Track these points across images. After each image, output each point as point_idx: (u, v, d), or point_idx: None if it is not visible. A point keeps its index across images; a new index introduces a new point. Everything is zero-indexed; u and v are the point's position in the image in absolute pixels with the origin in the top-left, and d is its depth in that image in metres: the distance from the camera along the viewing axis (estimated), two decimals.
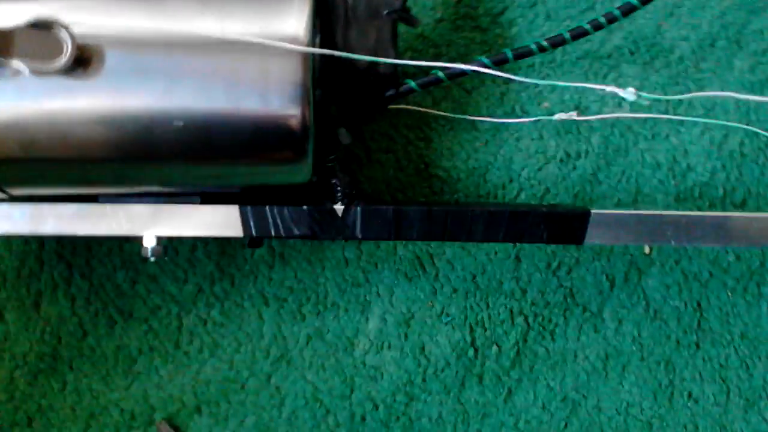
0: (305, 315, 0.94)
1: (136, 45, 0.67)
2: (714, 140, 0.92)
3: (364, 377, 0.93)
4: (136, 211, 0.76)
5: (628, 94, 0.74)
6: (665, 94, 0.92)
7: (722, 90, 0.91)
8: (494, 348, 0.92)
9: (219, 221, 0.77)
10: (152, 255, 0.76)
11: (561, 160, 0.93)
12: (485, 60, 0.79)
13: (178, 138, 0.69)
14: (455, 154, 0.94)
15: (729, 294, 0.91)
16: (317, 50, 0.69)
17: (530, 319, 0.92)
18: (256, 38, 0.67)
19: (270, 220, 0.77)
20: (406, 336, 0.93)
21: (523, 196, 0.93)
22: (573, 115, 0.86)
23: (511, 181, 0.93)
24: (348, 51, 0.74)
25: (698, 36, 0.94)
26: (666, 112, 0.92)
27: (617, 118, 0.93)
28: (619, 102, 0.93)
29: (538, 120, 0.92)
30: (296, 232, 0.77)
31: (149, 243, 0.76)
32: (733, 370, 0.93)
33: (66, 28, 0.64)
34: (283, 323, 0.94)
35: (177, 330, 0.95)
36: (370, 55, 0.75)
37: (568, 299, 0.92)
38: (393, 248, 0.94)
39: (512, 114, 0.94)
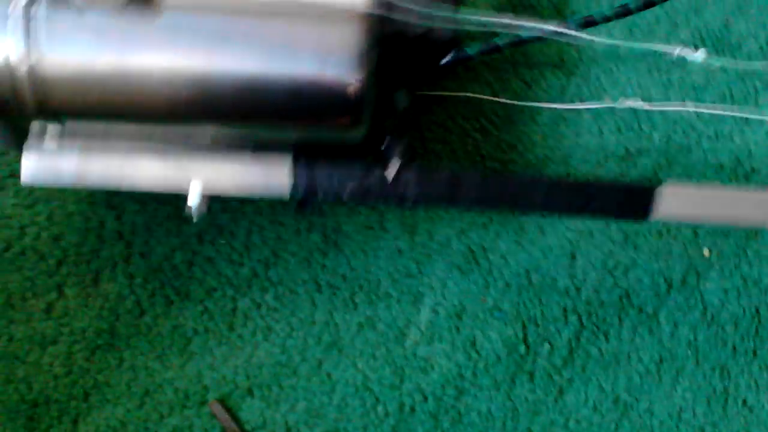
0: (357, 303, 0.97)
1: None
2: None
3: (415, 368, 0.96)
4: (183, 162, 0.77)
5: (699, 53, 0.76)
6: (731, 93, 0.92)
7: None
8: (546, 346, 0.94)
9: (268, 177, 0.77)
10: (196, 213, 0.78)
11: (621, 157, 0.94)
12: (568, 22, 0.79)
13: (234, 94, 0.71)
14: (512, 147, 0.96)
15: None
16: (373, 11, 0.70)
17: (584, 318, 0.94)
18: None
19: (319, 180, 0.77)
20: (457, 329, 0.96)
21: None
22: (639, 102, 0.87)
23: (568, 176, 0.95)
24: (405, 12, 0.74)
25: (767, 32, 0.94)
26: (731, 108, 0.93)
27: (682, 114, 0.93)
28: (684, 97, 0.93)
29: (601, 107, 0.93)
30: (347, 193, 0.77)
31: (193, 200, 0.77)
32: None
33: None
34: (336, 311, 0.97)
35: (231, 312, 0.99)
36: (428, 16, 0.74)
37: (624, 300, 0.94)
38: (447, 240, 0.96)
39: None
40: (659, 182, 0.74)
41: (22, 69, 0.71)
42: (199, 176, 0.77)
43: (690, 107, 0.91)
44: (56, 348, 0.99)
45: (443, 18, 0.75)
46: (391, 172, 0.76)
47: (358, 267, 0.97)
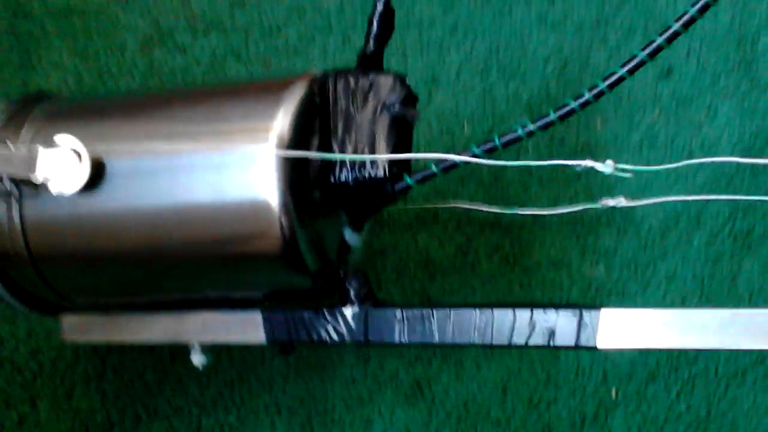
0: (314, 426, 1.11)
1: (138, 160, 0.78)
2: None
3: None
4: (175, 319, 0.87)
5: (606, 167, 0.72)
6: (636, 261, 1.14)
7: None
8: None
9: (242, 327, 0.85)
10: (199, 363, 0.89)
11: None
12: (476, 150, 0.77)
13: (181, 235, 0.77)
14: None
15: None
16: (292, 153, 0.73)
17: None
18: (231, 144, 0.74)
19: (287, 324, 0.83)
20: None
21: None
22: (621, 201, 0.91)
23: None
24: (342, 150, 0.78)
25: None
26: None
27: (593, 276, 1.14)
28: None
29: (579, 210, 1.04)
30: (313, 336, 0.82)
31: (195, 356, 0.89)
32: None
33: (80, 152, 0.76)
34: None
35: (196, 430, 1.10)
36: (367, 152, 0.77)
37: (546, 431, 1.11)
38: (396, 371, 1.12)
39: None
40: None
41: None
42: (194, 334, 0.88)
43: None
44: None
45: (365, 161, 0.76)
46: (348, 313, 0.81)
47: (315, 392, 1.11)
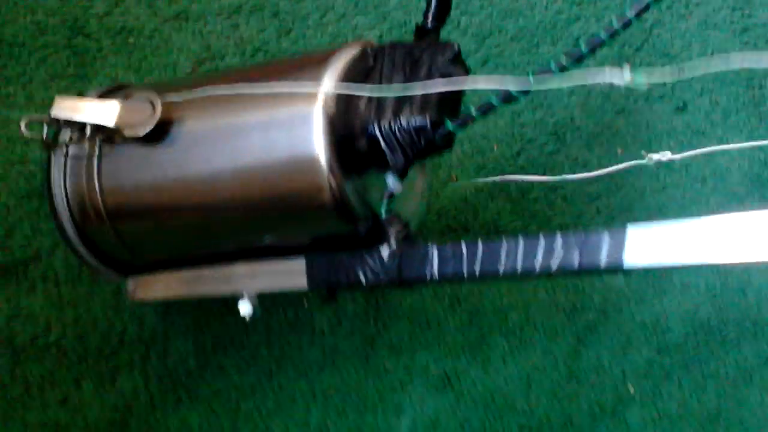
0: (347, 412, 1.18)
1: (202, 121, 0.85)
2: None
3: None
4: (229, 271, 0.93)
5: (623, 77, 0.68)
6: None
7: None
8: None
9: (287, 273, 0.90)
10: (245, 312, 0.92)
11: (568, 311, 1.22)
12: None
13: (239, 192, 0.84)
14: None
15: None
16: (343, 89, 0.78)
17: None
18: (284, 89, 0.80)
19: (328, 268, 0.87)
20: None
21: (536, 336, 1.21)
22: (667, 154, 0.92)
23: (527, 321, 1.22)
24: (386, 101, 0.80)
25: None
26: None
27: (614, 280, 1.23)
28: None
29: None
30: (352, 278, 0.85)
31: (243, 307, 0.93)
32: None
33: (153, 102, 0.85)
34: (328, 417, 1.17)
35: (235, 413, 1.17)
36: (414, 104, 0.80)
37: (567, 423, 1.19)
38: (426, 364, 1.19)
39: None
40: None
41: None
42: (243, 282, 0.93)
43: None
44: None
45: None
46: (385, 252, 0.84)
47: (349, 381, 1.18)
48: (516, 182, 1.24)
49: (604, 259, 0.74)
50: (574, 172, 1.25)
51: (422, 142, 0.81)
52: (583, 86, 1.30)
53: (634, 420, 1.20)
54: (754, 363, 1.21)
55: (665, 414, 1.20)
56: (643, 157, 0.94)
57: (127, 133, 0.84)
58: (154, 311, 1.17)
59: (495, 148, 1.27)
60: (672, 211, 1.23)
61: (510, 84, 0.76)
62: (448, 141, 0.82)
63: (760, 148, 1.27)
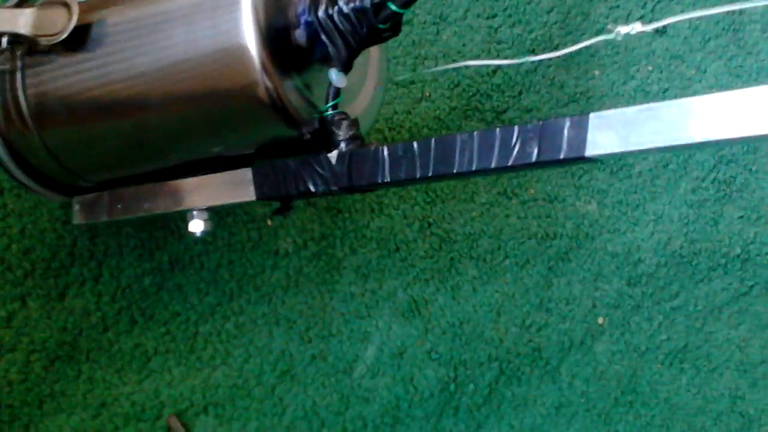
0: (311, 338, 1.17)
1: (122, 18, 0.81)
2: None
3: (359, 398, 1.17)
4: (175, 187, 0.91)
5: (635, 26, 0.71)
6: (626, 199, 1.25)
7: None
8: (471, 386, 1.19)
9: (233, 186, 0.87)
10: (196, 230, 0.91)
11: (541, 238, 1.23)
12: None
13: (168, 101, 0.80)
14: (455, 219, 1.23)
15: (659, 365, 1.23)
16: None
17: (503, 365, 1.20)
18: None
19: (275, 177, 0.83)
20: (398, 366, 1.18)
21: (507, 263, 1.22)
22: (636, 26, 0.84)
23: (499, 248, 1.22)
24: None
25: None
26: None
27: (588, 210, 1.24)
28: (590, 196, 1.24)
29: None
30: (300, 187, 0.82)
31: (195, 224, 0.92)
32: (656, 429, 1.24)
33: (69, 5, 0.81)
34: (291, 342, 1.16)
35: (193, 336, 1.15)
36: None
37: (535, 353, 1.21)
38: (394, 290, 1.19)
39: None
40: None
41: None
42: (191, 199, 0.91)
43: None
44: (13, 355, 1.09)
45: None
46: (333, 156, 0.80)
47: (314, 306, 1.18)
48: (490, 102, 1.24)
49: (564, 148, 0.70)
50: (551, 94, 1.26)
51: (364, 28, 0.77)
52: (563, 3, 1.31)
53: (602, 352, 1.22)
54: (723, 298, 1.24)
55: (633, 347, 1.22)
56: (610, 31, 0.90)
57: (44, 41, 0.82)
58: (106, 225, 1.13)
59: (469, 66, 1.26)
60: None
61: None
62: (394, 26, 0.78)
63: (738, 75, 1.29)
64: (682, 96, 1.28)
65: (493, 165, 0.73)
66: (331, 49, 0.79)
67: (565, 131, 0.69)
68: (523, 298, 1.21)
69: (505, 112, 1.25)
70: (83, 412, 1.11)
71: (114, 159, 0.91)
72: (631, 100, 1.26)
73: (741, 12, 1.32)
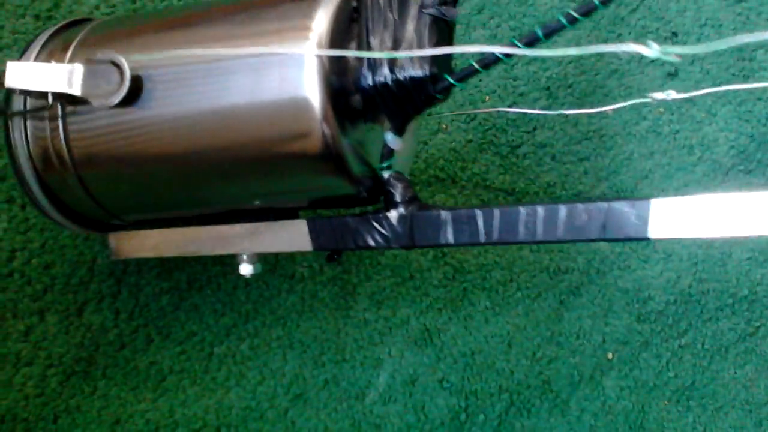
0: (325, 362, 1.23)
1: (176, 67, 0.84)
2: None
3: (370, 424, 1.23)
4: (223, 231, 0.97)
5: (652, 51, 0.71)
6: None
7: None
8: (481, 416, 1.25)
9: (288, 235, 0.94)
10: (247, 273, 0.98)
11: (552, 272, 1.30)
12: (515, 41, 0.79)
13: (223, 143, 0.83)
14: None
15: (666, 402, 1.30)
16: (332, 52, 0.79)
17: (513, 397, 1.26)
18: (268, 49, 0.80)
19: (333, 231, 0.90)
20: (410, 394, 1.24)
21: (519, 295, 1.29)
22: (671, 94, 0.98)
23: (511, 280, 1.29)
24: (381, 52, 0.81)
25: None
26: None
27: (600, 245, 1.32)
28: None
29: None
30: (359, 242, 0.89)
31: (243, 266, 1.00)
32: None
33: (119, 64, 0.84)
34: (305, 366, 1.23)
35: (208, 357, 1.21)
36: (408, 53, 0.80)
37: (545, 385, 1.27)
38: (407, 318, 1.26)
39: None
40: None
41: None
42: (241, 244, 0.97)
43: None
44: (30, 369, 1.15)
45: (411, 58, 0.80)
46: (393, 216, 0.87)
47: (328, 330, 1.24)
48: (506, 136, 1.32)
49: (628, 230, 0.80)
50: (564, 131, 1.34)
51: (421, 97, 0.83)
52: (578, 42, 1.40)
53: (611, 387, 1.28)
54: (730, 337, 1.31)
55: (642, 383, 1.29)
56: (646, 97, 1.01)
57: (96, 103, 0.83)
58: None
59: (487, 99, 1.34)
60: (658, 178, 1.32)
61: (523, 49, 0.77)
62: (446, 93, 0.84)
63: (747, 120, 1.38)
64: (692, 138, 1.37)
65: (557, 238, 0.82)
66: (386, 114, 0.86)
67: (628, 215, 0.79)
68: (534, 331, 1.28)
69: (519, 147, 1.32)
70: (97, 428, 1.16)
71: (157, 203, 0.95)
72: (643, 141, 1.35)
73: (751, 59, 1.41)
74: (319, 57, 0.78)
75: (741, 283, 1.33)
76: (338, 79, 0.80)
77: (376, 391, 1.24)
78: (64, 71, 0.84)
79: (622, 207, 0.79)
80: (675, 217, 0.78)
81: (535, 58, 1.37)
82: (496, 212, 0.84)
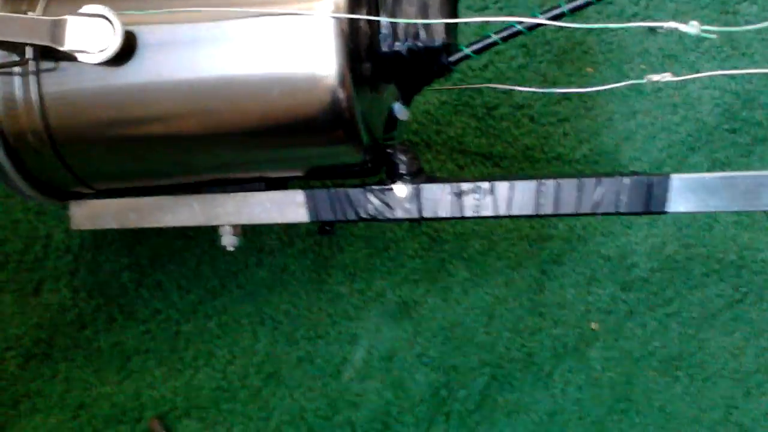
0: (298, 339, 1.21)
1: (175, 28, 0.81)
2: None
3: (347, 403, 1.21)
4: (206, 200, 0.93)
5: (692, 27, 0.77)
6: None
7: None
8: (463, 391, 1.24)
9: (281, 206, 0.92)
10: (230, 244, 0.94)
11: (533, 239, 1.29)
12: (538, 14, 0.85)
13: (226, 108, 0.81)
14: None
15: (653, 372, 1.29)
16: (347, 15, 0.78)
17: (495, 371, 1.25)
18: (284, 11, 0.79)
19: (332, 202, 0.90)
20: (388, 370, 1.23)
21: (498, 265, 1.28)
22: (666, 76, 0.97)
23: (490, 249, 1.28)
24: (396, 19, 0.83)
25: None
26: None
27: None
28: None
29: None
30: (361, 214, 0.90)
31: (226, 238, 0.95)
32: None
33: (111, 19, 0.79)
34: (277, 343, 1.21)
35: (174, 336, 1.19)
36: (419, 24, 0.82)
37: (528, 358, 1.26)
38: (382, 291, 1.24)
39: None
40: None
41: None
42: (228, 216, 0.93)
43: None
44: None
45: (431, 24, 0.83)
46: (399, 189, 0.88)
47: (300, 306, 1.22)
48: (482, 97, 1.30)
49: (648, 203, 0.86)
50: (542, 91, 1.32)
51: (434, 67, 0.85)
52: (555, 1, 1.38)
53: (596, 358, 1.28)
54: (717, 305, 1.30)
55: (627, 353, 1.28)
56: (642, 78, 1.02)
57: (83, 58, 0.80)
58: None
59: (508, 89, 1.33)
60: (641, 139, 1.31)
61: (531, 19, 0.83)
62: (457, 63, 0.87)
63: (732, 77, 1.37)
64: (674, 96, 1.36)
65: (577, 211, 0.88)
66: (397, 83, 0.87)
67: (649, 189, 0.86)
68: (515, 302, 1.27)
69: (496, 108, 1.31)
70: (60, 413, 1.14)
71: (141, 171, 0.92)
72: (625, 99, 1.33)
73: (735, 12, 1.40)
74: (338, 20, 0.77)
75: (728, 247, 1.33)
76: (355, 45, 0.80)
77: (353, 367, 1.22)
78: (46, 23, 0.80)
79: (644, 181, 0.86)
80: (695, 194, 0.85)
81: (511, 14, 1.35)
82: (514, 185, 0.87)
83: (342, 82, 0.78)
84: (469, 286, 1.26)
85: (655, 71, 1.36)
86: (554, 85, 1.33)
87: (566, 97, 1.32)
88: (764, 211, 1.35)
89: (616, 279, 1.30)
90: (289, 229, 1.22)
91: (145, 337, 1.18)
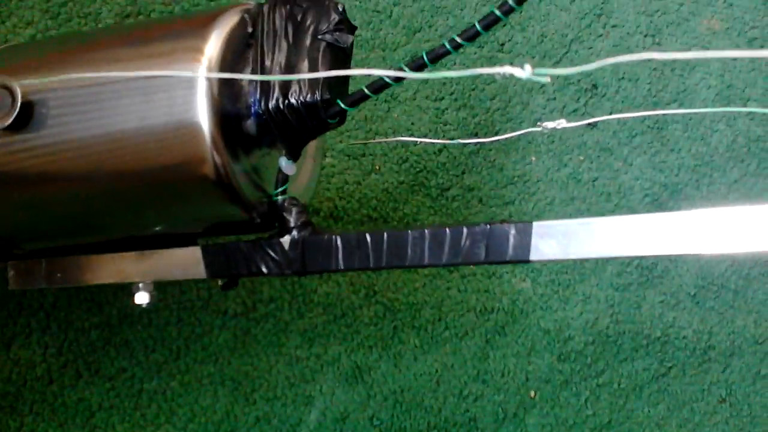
0: (256, 399, 1.32)
1: (67, 91, 0.85)
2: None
3: None
4: (117, 260, 1.00)
5: (525, 72, 0.72)
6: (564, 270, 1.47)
7: None
8: None
9: (183, 263, 0.97)
10: (143, 302, 1.01)
11: (479, 311, 1.43)
12: (402, 65, 0.84)
13: (113, 167, 0.85)
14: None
15: None
16: (221, 75, 0.82)
17: None
18: (156, 72, 0.82)
19: (227, 258, 0.93)
20: (341, 431, 1.34)
21: (447, 333, 1.41)
22: (562, 123, 1.07)
23: (440, 319, 1.41)
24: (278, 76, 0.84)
25: None
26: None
27: (523, 287, 1.46)
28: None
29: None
30: (252, 269, 0.92)
31: (139, 295, 1.02)
32: None
33: (10, 88, 0.84)
34: (236, 403, 1.31)
35: (138, 393, 1.28)
36: (302, 81, 0.84)
37: (471, 422, 1.39)
38: (338, 355, 1.36)
39: None
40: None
41: None
42: (137, 272, 1.00)
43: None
44: None
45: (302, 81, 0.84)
46: (286, 241, 0.90)
47: (260, 367, 1.33)
48: (436, 179, 1.45)
49: (510, 252, 0.84)
50: (491, 176, 1.48)
51: (314, 122, 0.86)
52: (505, 94, 1.55)
53: (533, 425, 1.42)
54: (644, 377, 1.46)
55: (562, 421, 1.43)
56: (538, 127, 1.14)
57: None
58: None
59: (418, 142, 1.47)
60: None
61: (405, 71, 0.81)
62: (340, 118, 0.88)
63: (661, 170, 1.55)
64: (609, 185, 1.53)
65: (443, 261, 0.88)
66: (280, 139, 0.90)
67: (511, 237, 0.84)
68: (461, 369, 1.40)
69: (449, 189, 1.45)
70: None
71: (52, 230, 0.98)
72: (564, 186, 1.50)
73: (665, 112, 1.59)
74: (209, 80, 0.81)
75: (654, 325, 1.49)
76: (231, 104, 0.84)
77: (307, 428, 1.33)
78: None
79: (504, 229, 0.84)
80: (557, 241, 0.83)
81: (464, 104, 1.51)
82: (385, 236, 0.88)
83: (214, 142, 0.81)
84: (419, 353, 1.39)
85: (593, 163, 1.54)
86: (502, 172, 1.49)
87: (512, 182, 1.48)
88: (683, 289, 1.52)
89: (553, 350, 1.44)
90: (251, 295, 1.33)
91: (109, 394, 1.27)
